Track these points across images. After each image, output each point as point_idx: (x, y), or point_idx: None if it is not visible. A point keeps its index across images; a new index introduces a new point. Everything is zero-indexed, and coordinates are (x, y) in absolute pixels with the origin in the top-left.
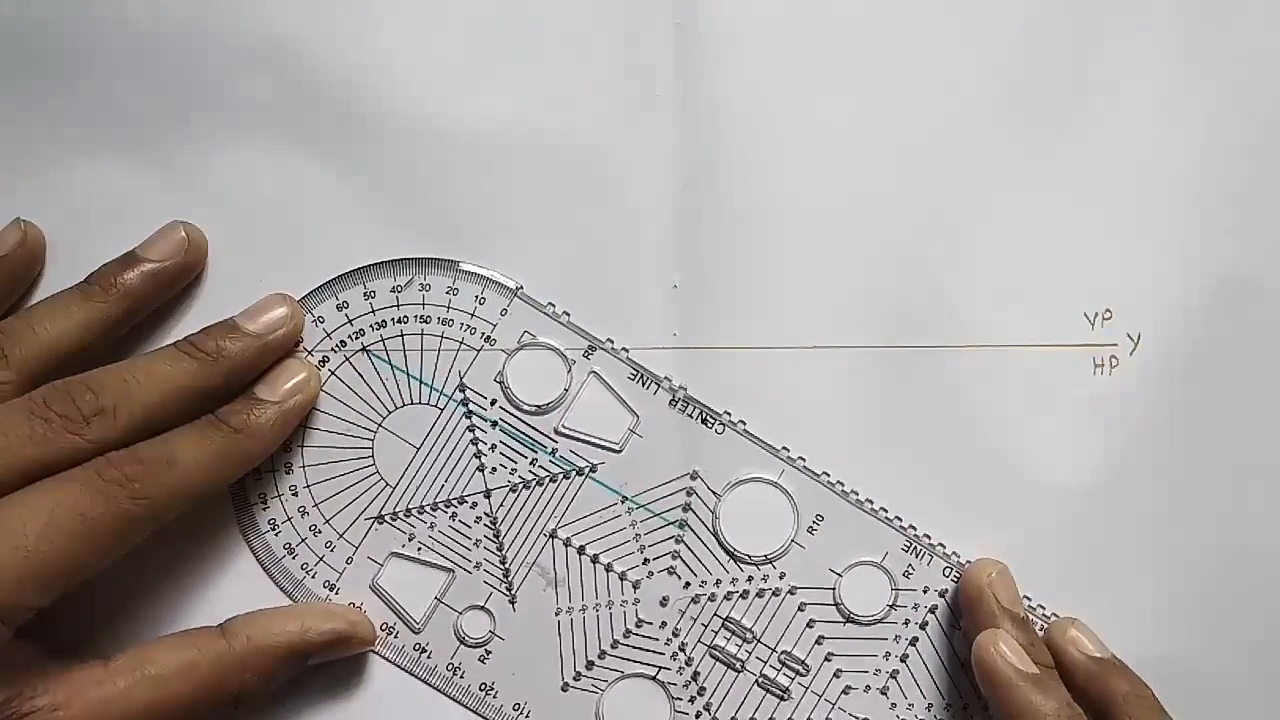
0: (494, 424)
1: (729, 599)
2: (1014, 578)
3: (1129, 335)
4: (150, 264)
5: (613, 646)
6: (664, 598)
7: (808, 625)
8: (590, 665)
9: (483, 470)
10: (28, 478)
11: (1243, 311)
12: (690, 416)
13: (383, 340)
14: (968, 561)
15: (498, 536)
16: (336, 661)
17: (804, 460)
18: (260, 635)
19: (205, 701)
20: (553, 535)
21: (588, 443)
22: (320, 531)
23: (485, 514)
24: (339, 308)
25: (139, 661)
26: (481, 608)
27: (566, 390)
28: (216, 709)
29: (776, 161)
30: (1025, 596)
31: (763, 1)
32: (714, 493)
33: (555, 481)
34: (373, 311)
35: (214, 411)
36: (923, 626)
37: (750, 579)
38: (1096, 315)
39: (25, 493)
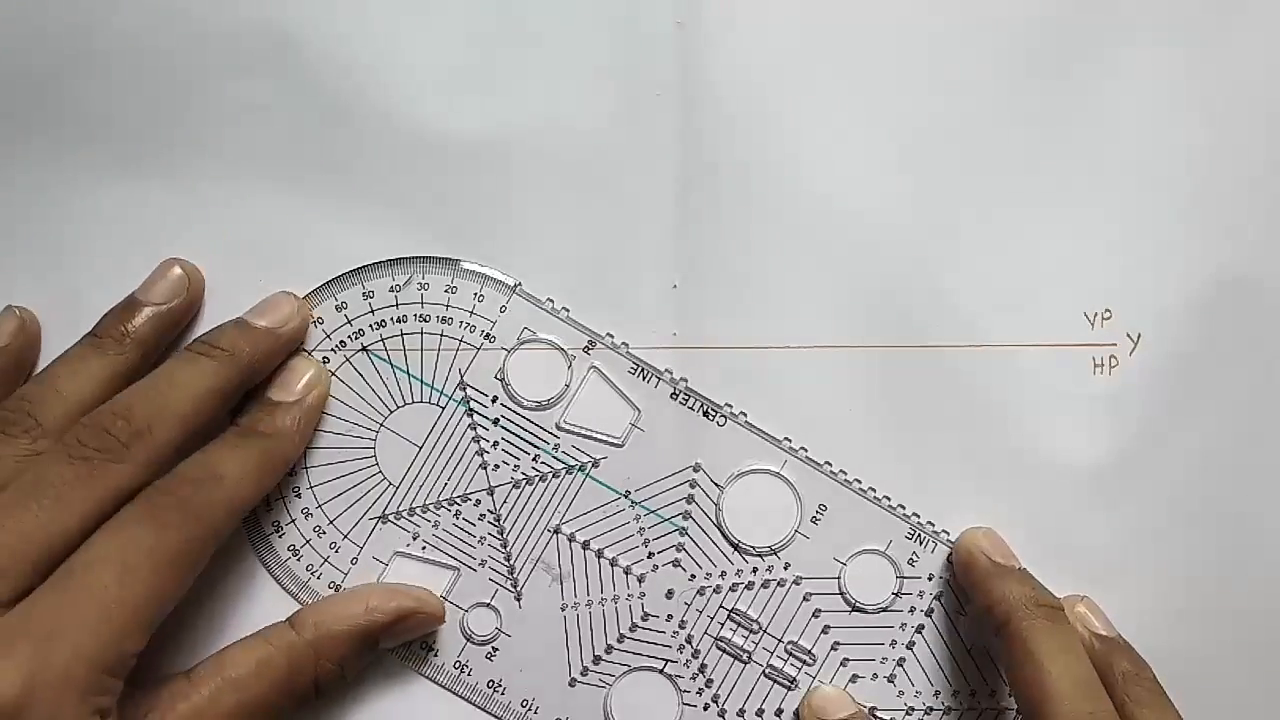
0: (495, 421)
1: (734, 590)
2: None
3: (1129, 335)
4: (153, 307)
5: (619, 640)
6: (669, 590)
7: (813, 615)
8: (597, 660)
9: (485, 468)
10: (86, 519)
11: (1243, 311)
12: (692, 409)
13: (382, 340)
14: None
15: (502, 534)
16: None
17: (806, 451)
18: (327, 621)
19: (286, 694)
20: (557, 531)
21: (590, 438)
22: (324, 533)
23: (489, 511)
24: (338, 308)
25: (218, 667)
26: (487, 605)
27: (567, 386)
28: (297, 700)
29: (777, 161)
30: None
31: (763, 1)
32: (717, 485)
33: (558, 477)
34: (372, 311)
35: (234, 421)
36: (929, 614)
37: (755, 570)
38: (1096, 315)
39: (89, 547)
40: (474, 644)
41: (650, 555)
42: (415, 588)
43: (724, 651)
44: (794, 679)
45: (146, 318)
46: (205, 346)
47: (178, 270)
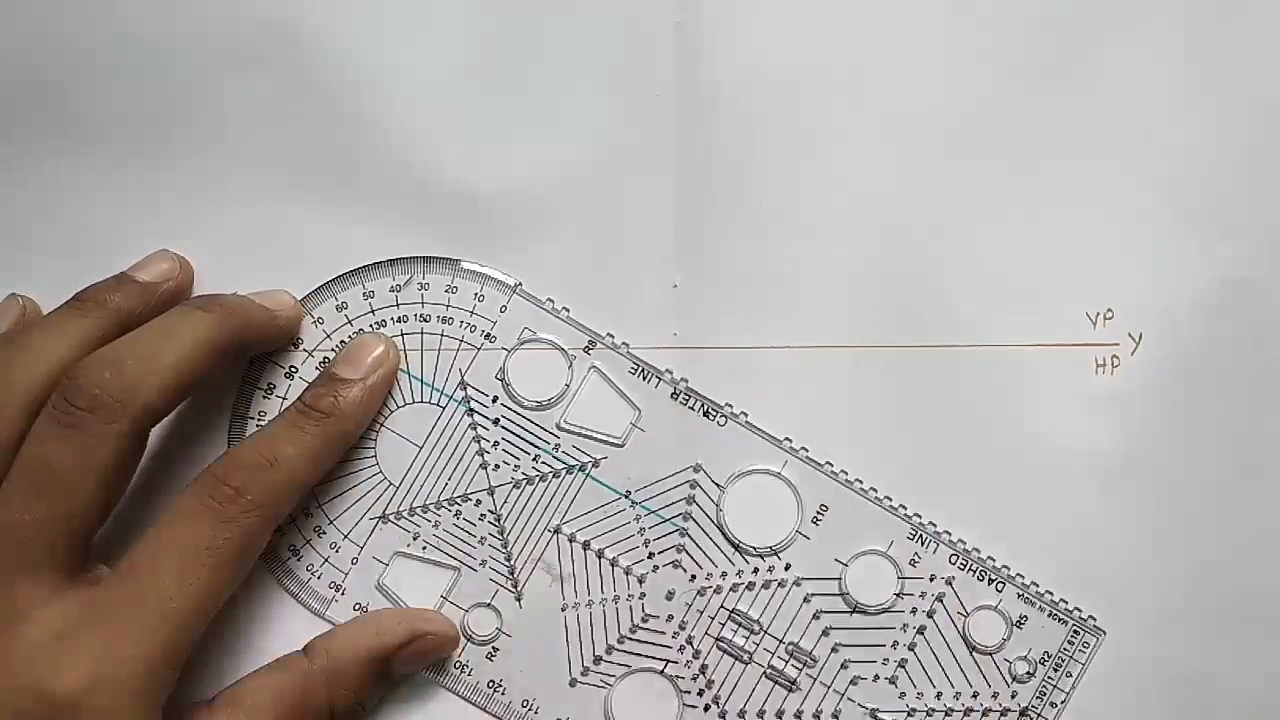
0: (496, 421)
1: (735, 591)
2: None
3: (1130, 335)
4: (140, 284)
5: (619, 641)
6: (670, 591)
7: (814, 616)
8: (598, 660)
9: (485, 468)
10: (95, 498)
11: (1245, 312)
12: (692, 409)
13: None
14: (975, 549)
15: (502, 534)
16: None
17: (806, 451)
18: (339, 648)
19: None
20: (557, 531)
21: (590, 438)
22: (325, 532)
23: (489, 511)
24: (338, 308)
25: (236, 696)
26: (488, 605)
27: (568, 386)
28: None
29: (777, 161)
30: (1005, 566)
31: (763, 1)
32: (717, 485)
33: (559, 477)
34: (372, 311)
35: (299, 399)
36: (930, 615)
37: (755, 570)
38: (1098, 315)
39: (150, 541)
40: (474, 644)
41: (650, 555)
42: (428, 611)
43: (725, 652)
44: (795, 680)
45: (131, 291)
46: (205, 301)
47: (169, 258)
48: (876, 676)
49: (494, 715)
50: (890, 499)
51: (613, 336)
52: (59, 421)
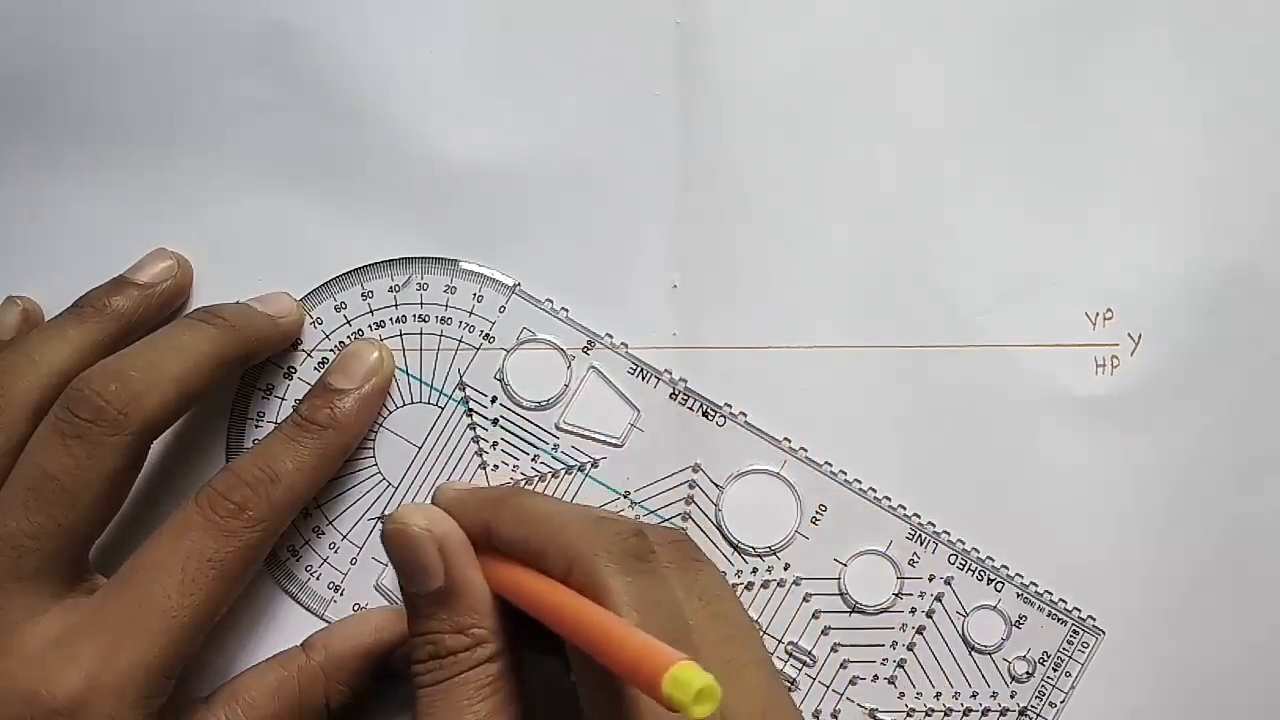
0: (495, 421)
1: (734, 590)
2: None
3: (1130, 335)
4: (139, 287)
5: None
6: None
7: (813, 616)
8: None
9: (485, 468)
10: (96, 509)
11: (1244, 311)
12: (691, 409)
13: (381, 340)
14: (974, 549)
15: None
16: None
17: (806, 451)
18: (337, 644)
19: (298, 717)
20: None
21: (589, 438)
22: (324, 533)
23: None
24: (337, 309)
25: (234, 692)
26: None
27: (566, 386)
28: None
29: (776, 161)
30: (1004, 566)
31: (763, 1)
32: (716, 485)
33: (558, 477)
34: (371, 312)
35: (295, 411)
36: (929, 615)
37: (755, 570)
38: (1097, 315)
39: (152, 550)
40: None
41: None
42: None
43: None
44: (794, 680)
45: (131, 295)
46: (207, 314)
47: (168, 258)
48: (875, 676)
49: None
50: (889, 499)
51: (611, 337)
52: (61, 431)
